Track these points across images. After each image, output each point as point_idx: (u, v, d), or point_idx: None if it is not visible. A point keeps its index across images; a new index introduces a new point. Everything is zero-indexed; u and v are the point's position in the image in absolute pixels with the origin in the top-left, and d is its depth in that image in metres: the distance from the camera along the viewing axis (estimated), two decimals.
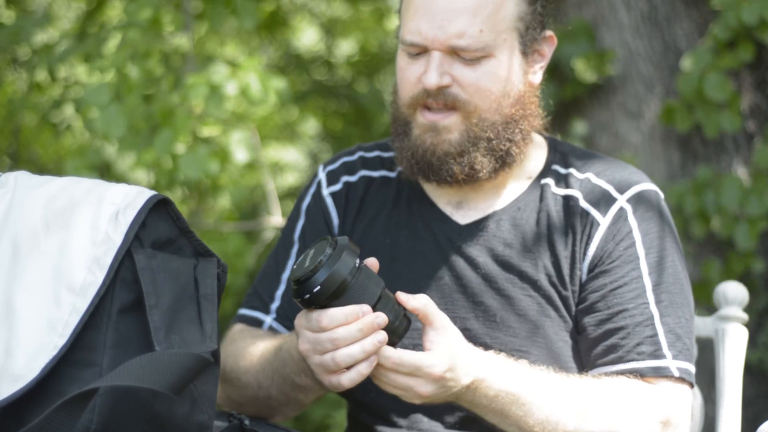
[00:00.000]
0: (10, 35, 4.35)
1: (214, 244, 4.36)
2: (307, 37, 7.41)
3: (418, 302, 2.12)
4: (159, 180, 4.04)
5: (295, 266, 2.09)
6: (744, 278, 3.96)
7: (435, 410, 2.34)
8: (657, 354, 2.29)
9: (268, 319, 2.47)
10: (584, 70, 4.10)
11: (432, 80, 2.30)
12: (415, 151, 2.35)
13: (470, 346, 2.16)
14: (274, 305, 2.47)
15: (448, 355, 2.11)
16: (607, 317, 2.32)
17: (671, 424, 2.26)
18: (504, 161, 2.37)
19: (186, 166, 3.93)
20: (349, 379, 2.10)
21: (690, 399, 2.32)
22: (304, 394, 2.31)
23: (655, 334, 2.29)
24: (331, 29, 7.20)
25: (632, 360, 2.28)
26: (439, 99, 2.32)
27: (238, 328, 2.49)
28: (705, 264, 3.95)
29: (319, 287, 2.05)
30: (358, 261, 2.08)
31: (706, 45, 3.97)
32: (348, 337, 2.07)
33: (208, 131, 4.13)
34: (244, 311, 2.50)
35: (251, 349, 2.39)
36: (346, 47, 7.34)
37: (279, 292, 2.48)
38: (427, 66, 2.31)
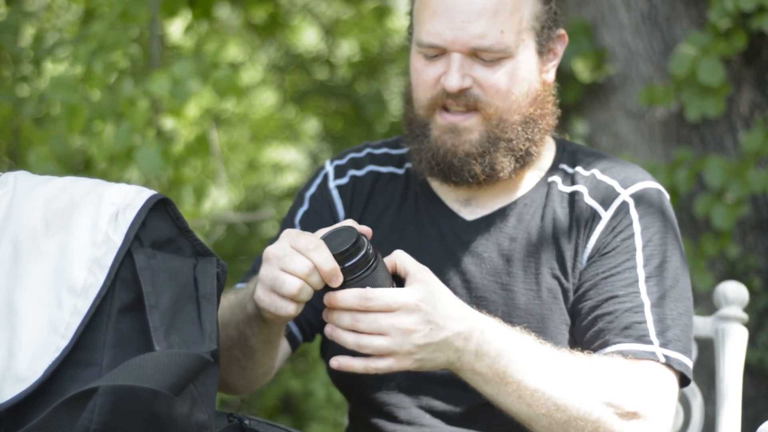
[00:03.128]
0: (3, 32, 4.35)
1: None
2: (307, 38, 7.42)
3: (394, 257, 2.09)
4: (123, 173, 4.03)
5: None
6: (744, 278, 3.96)
7: (436, 407, 2.34)
8: (644, 339, 2.27)
9: None
10: (582, 71, 4.10)
11: (454, 83, 2.29)
12: (435, 153, 2.35)
13: (460, 300, 2.12)
14: None
15: (423, 288, 2.06)
16: (597, 304, 2.31)
17: (655, 407, 2.23)
18: (524, 161, 2.37)
19: (141, 161, 3.91)
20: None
21: (675, 387, 2.29)
22: (251, 328, 2.26)
23: (644, 321, 2.28)
24: (331, 29, 7.20)
25: (618, 342, 2.27)
26: (460, 101, 2.31)
27: None
28: None
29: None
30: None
31: (703, 32, 3.98)
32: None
33: (170, 124, 4.12)
34: (238, 285, 2.50)
35: (230, 296, 2.36)
36: (346, 47, 7.34)
37: None
38: (448, 68, 2.30)
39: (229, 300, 2.34)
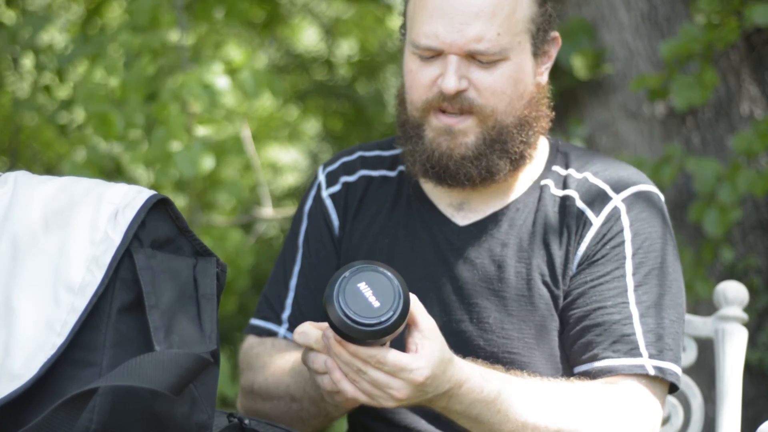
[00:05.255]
0: (9, 36, 4.35)
1: (215, 242, 4.38)
2: (307, 37, 7.41)
3: None
4: (158, 178, 4.05)
5: (349, 306, 1.98)
6: (744, 278, 3.96)
7: (433, 412, 2.34)
8: (633, 352, 2.27)
9: (281, 330, 2.47)
10: (581, 68, 4.10)
11: (451, 85, 2.28)
12: (430, 155, 2.33)
13: (451, 353, 2.11)
14: (285, 314, 2.47)
15: (435, 362, 2.05)
16: (585, 314, 2.31)
17: (644, 429, 2.24)
18: (518, 163, 2.36)
19: (181, 162, 3.94)
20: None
21: (662, 401, 2.29)
22: (332, 404, 2.28)
23: (633, 333, 2.28)
24: (331, 29, 7.20)
25: (607, 357, 2.27)
26: (456, 103, 2.30)
27: (255, 340, 2.49)
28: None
29: (396, 330, 2.01)
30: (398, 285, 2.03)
31: (694, 23, 3.98)
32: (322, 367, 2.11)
33: (203, 129, 4.14)
34: (256, 322, 2.50)
35: (280, 363, 2.38)
36: (346, 47, 7.34)
37: (288, 300, 2.48)
38: (444, 70, 2.29)
39: (286, 372, 2.35)
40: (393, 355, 2.03)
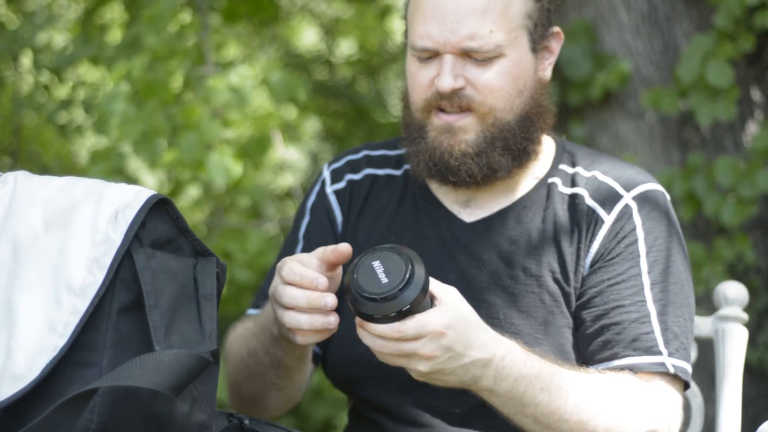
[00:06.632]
0: (11, 37, 4.35)
1: (235, 243, 4.38)
2: (307, 37, 7.42)
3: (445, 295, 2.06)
4: (179, 181, 4.05)
5: (360, 284, 2.01)
6: (744, 278, 3.96)
7: (438, 406, 2.34)
8: (653, 350, 2.28)
9: None
10: (599, 77, 4.08)
11: (446, 83, 2.30)
12: (432, 153, 2.35)
13: (486, 326, 2.10)
14: None
15: (453, 315, 2.04)
16: (603, 312, 2.31)
17: (665, 424, 2.26)
18: (521, 160, 2.37)
19: (213, 170, 3.94)
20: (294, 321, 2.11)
21: (682, 398, 2.31)
22: (282, 349, 2.29)
23: (651, 331, 2.29)
24: (331, 29, 7.20)
25: (628, 356, 2.28)
26: (454, 101, 2.32)
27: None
28: (689, 248, 3.94)
29: (408, 306, 2.01)
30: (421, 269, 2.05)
31: (707, 34, 3.97)
32: (292, 301, 2.08)
33: (231, 132, 4.14)
34: (250, 311, 2.51)
35: (247, 324, 2.40)
36: (346, 47, 7.34)
37: None
38: (440, 69, 2.31)
39: (248, 328, 2.38)
40: (410, 322, 2.02)
